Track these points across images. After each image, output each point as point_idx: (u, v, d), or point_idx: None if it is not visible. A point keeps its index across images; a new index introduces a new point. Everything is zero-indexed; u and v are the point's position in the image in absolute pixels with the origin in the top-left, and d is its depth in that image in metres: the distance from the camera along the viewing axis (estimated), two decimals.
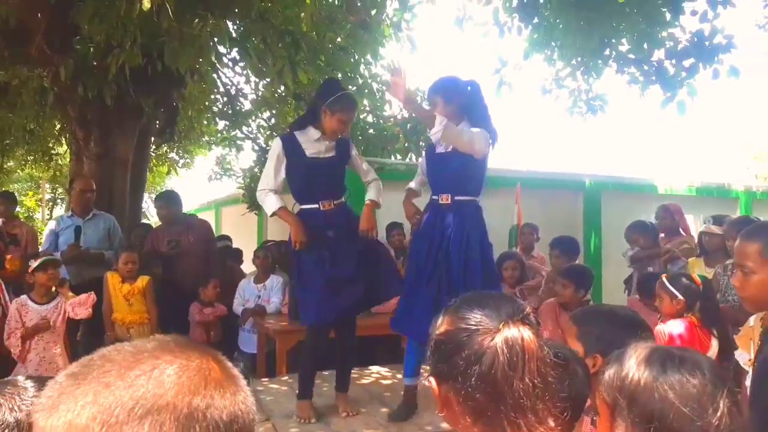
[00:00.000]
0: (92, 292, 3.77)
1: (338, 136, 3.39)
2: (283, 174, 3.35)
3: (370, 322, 5.10)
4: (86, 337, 4.78)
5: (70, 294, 3.68)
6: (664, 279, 3.26)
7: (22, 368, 3.57)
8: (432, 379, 1.08)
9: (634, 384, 1.08)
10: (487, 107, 3.42)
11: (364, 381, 4.21)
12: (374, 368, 4.55)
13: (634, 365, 1.10)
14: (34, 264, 3.66)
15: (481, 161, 3.31)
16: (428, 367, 1.11)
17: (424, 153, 3.66)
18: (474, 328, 1.02)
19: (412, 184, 3.61)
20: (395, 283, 3.50)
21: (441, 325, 1.08)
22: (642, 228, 4.83)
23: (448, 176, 3.33)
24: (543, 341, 1.05)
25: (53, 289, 3.71)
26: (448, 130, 3.05)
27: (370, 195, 3.49)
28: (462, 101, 3.32)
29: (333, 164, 3.40)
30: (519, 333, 1.00)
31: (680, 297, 3.11)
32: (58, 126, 8.89)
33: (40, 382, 1.29)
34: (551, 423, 1.00)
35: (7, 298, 4.08)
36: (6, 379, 1.32)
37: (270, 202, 3.32)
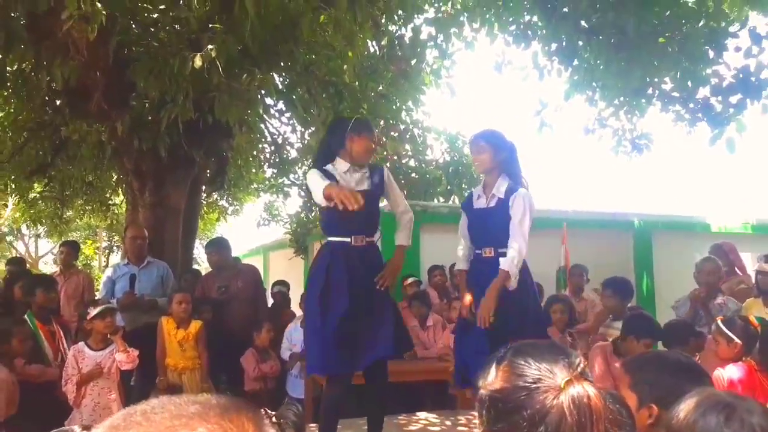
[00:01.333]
0: (136, 350, 3.85)
1: (368, 161, 3.36)
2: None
3: (418, 367, 5.07)
4: (138, 382, 4.89)
5: (121, 342, 3.79)
6: (719, 322, 3.16)
7: (78, 413, 3.68)
8: None
9: (678, 424, 1.06)
10: (520, 167, 3.47)
11: (411, 428, 4.16)
12: (422, 414, 4.49)
13: (683, 407, 1.08)
14: (93, 312, 3.81)
15: None
16: (480, 421, 1.07)
17: (463, 214, 3.58)
18: (534, 386, 0.99)
19: (462, 265, 3.52)
20: (405, 339, 3.46)
21: (494, 380, 1.05)
22: (714, 262, 4.61)
23: (490, 230, 3.34)
24: (605, 395, 1.01)
25: (108, 336, 3.83)
26: (515, 267, 3.18)
27: (402, 238, 3.44)
28: (505, 155, 3.39)
29: (367, 196, 3.24)
30: (584, 391, 0.97)
31: (737, 341, 3.01)
32: (115, 177, 9.32)
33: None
34: None
35: (66, 345, 4.24)
36: (62, 428, 1.39)
37: (319, 183, 3.06)
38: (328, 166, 3.26)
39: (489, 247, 3.33)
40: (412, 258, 6.39)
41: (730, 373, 2.92)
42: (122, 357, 3.71)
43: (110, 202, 10.72)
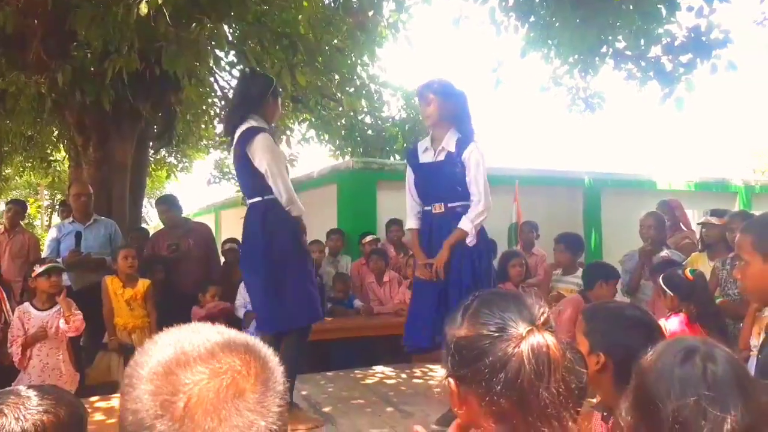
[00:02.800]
0: (79, 313, 3.71)
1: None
2: None
3: (373, 323, 5.13)
4: (87, 342, 4.77)
5: (66, 304, 3.65)
6: (660, 276, 3.27)
7: (25, 375, 3.56)
8: (450, 379, 1.07)
9: (643, 363, 1.08)
10: (470, 115, 3.37)
11: (368, 381, 4.21)
12: (378, 368, 4.55)
13: (652, 351, 1.10)
14: (38, 270, 3.66)
15: None
16: (445, 366, 1.10)
17: (408, 169, 3.48)
18: (497, 334, 1.01)
19: (412, 224, 3.46)
20: None
21: (460, 327, 1.07)
22: (656, 216, 4.77)
23: (438, 185, 3.28)
24: (564, 344, 1.04)
25: (55, 296, 3.70)
26: (476, 226, 3.18)
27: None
28: (455, 105, 3.28)
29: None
30: (544, 340, 0.99)
31: (669, 293, 3.13)
32: (56, 132, 8.90)
33: (42, 391, 1.30)
34: (573, 428, 1.01)
35: (8, 306, 4.08)
36: (8, 388, 1.32)
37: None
38: (256, 123, 3.14)
39: (438, 203, 3.26)
40: (369, 215, 6.39)
41: (669, 324, 3.05)
42: (64, 326, 3.58)
43: (51, 158, 10.27)
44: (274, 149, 3.12)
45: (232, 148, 3.21)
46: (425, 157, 3.34)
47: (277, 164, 3.09)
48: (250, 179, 3.14)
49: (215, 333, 0.78)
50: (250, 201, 3.21)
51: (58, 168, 10.91)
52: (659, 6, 5.19)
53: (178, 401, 0.68)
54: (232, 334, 0.79)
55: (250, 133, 3.07)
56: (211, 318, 4.78)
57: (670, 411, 0.99)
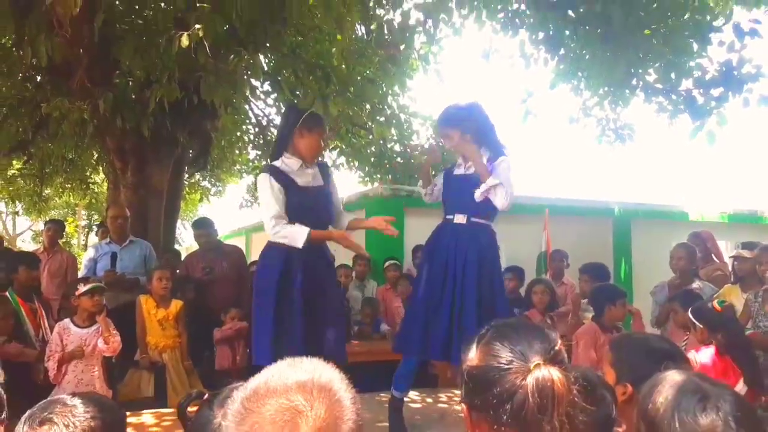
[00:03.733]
0: (118, 335, 3.84)
1: (318, 158, 3.32)
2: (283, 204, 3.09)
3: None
4: (119, 360, 4.89)
5: (105, 324, 3.79)
6: (690, 309, 3.25)
7: (60, 390, 3.67)
8: (464, 404, 1.12)
9: (653, 411, 1.11)
10: (493, 125, 3.34)
11: None
12: None
13: (660, 393, 1.13)
14: (82, 288, 3.80)
15: None
16: (460, 392, 1.15)
17: (440, 176, 3.51)
18: (506, 366, 1.05)
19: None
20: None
21: (474, 356, 1.12)
22: (687, 248, 4.73)
23: (465, 196, 3.24)
24: (572, 375, 1.07)
25: (96, 317, 3.83)
26: (498, 188, 3.11)
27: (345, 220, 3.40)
28: (474, 126, 3.27)
29: (325, 193, 3.28)
30: (549, 375, 1.03)
31: (699, 325, 3.11)
32: (96, 155, 9.20)
33: (86, 398, 1.37)
34: None
35: (47, 324, 4.23)
36: (53, 398, 1.41)
37: (297, 230, 3.02)
38: (280, 163, 3.17)
39: (462, 213, 3.25)
40: (396, 241, 6.44)
41: (700, 356, 3.02)
42: (103, 345, 3.71)
43: (90, 180, 10.60)
44: (262, 189, 3.09)
45: None
46: (458, 170, 3.39)
47: (264, 203, 3.09)
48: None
49: (305, 370, 0.84)
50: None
51: (95, 190, 11.26)
52: (690, 41, 5.21)
53: (244, 426, 0.76)
54: (321, 372, 0.85)
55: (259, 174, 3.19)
56: (229, 339, 4.87)
57: None
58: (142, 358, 4.41)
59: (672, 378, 1.21)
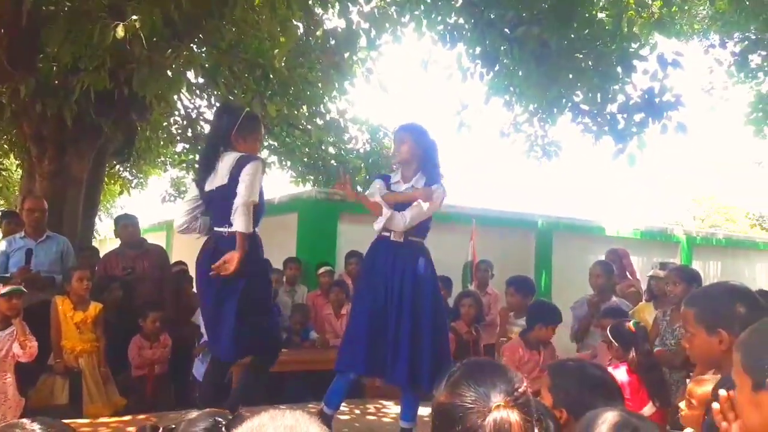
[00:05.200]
0: (35, 340, 3.65)
1: None
2: None
3: (328, 356, 5.09)
4: (31, 363, 4.62)
5: (22, 328, 3.56)
6: (608, 327, 3.43)
7: None
8: None
9: None
10: (439, 164, 3.48)
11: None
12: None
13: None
14: (1, 290, 3.55)
15: None
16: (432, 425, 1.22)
17: (381, 181, 3.51)
18: (469, 406, 1.12)
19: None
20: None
21: (442, 393, 1.18)
22: (605, 266, 4.96)
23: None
24: (533, 418, 1.15)
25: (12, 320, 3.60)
26: (390, 221, 3.22)
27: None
28: (426, 149, 3.40)
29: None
30: (507, 417, 1.10)
31: (615, 343, 3.29)
32: (8, 138, 8.61)
33: (46, 424, 1.31)
34: None
35: None
36: (12, 422, 1.34)
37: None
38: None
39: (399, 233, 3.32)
40: (329, 246, 6.42)
41: (615, 373, 3.18)
42: (19, 351, 3.49)
43: (0, 166, 9.93)
44: (257, 181, 3.08)
45: (225, 175, 3.12)
46: (396, 187, 3.44)
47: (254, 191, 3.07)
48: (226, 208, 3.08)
49: (286, 426, 0.89)
50: (217, 229, 3.17)
51: (5, 176, 10.53)
52: (616, 67, 5.50)
53: None
54: (303, 427, 0.89)
55: (247, 158, 3.07)
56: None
57: None
58: (56, 363, 4.18)
59: (608, 419, 1.29)
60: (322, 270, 6.02)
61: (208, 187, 3.21)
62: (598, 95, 5.75)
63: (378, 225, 3.27)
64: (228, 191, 3.07)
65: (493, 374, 1.18)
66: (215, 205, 3.20)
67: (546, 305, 4.26)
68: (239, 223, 2.98)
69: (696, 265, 7.88)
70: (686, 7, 7.70)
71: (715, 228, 20.21)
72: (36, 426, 1.29)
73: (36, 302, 4.57)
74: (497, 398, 1.12)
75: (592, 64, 5.48)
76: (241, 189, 3.00)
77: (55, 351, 4.25)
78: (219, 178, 3.14)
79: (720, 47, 7.33)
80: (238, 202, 2.98)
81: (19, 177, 7.89)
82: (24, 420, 1.33)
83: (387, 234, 3.35)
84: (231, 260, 2.97)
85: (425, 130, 3.48)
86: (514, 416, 1.10)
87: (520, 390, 1.15)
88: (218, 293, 3.13)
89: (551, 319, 4.03)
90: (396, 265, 3.28)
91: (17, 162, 8.80)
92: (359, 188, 7.55)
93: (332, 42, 4.84)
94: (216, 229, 3.18)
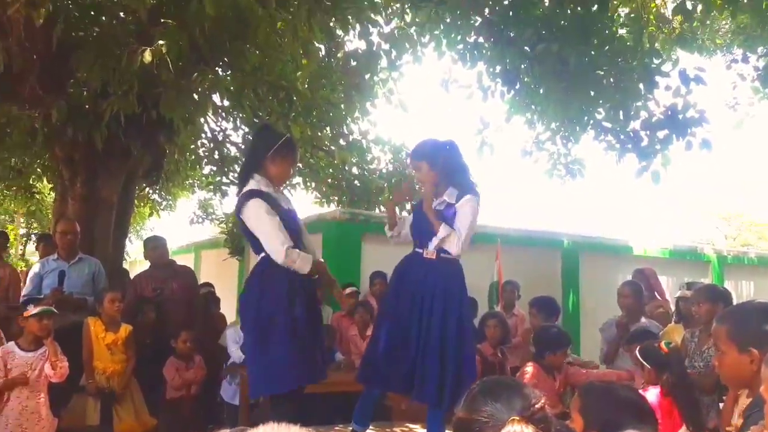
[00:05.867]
0: (66, 360, 3.72)
1: (284, 184, 3.39)
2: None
3: (354, 377, 5.10)
4: (63, 383, 4.69)
5: (54, 349, 3.64)
6: (637, 349, 3.36)
7: (2, 418, 3.48)
8: None
9: None
10: (466, 165, 3.43)
11: None
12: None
13: None
14: (32, 310, 3.64)
15: None
16: None
17: (410, 216, 3.59)
18: (485, 420, 1.15)
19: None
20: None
21: (460, 410, 1.22)
22: (633, 286, 4.89)
23: (433, 232, 3.27)
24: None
25: (43, 340, 3.68)
26: (450, 239, 3.20)
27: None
28: (445, 164, 3.35)
29: (297, 218, 3.33)
30: (521, 431, 1.12)
31: (647, 366, 3.21)
32: (42, 163, 8.86)
33: None
34: None
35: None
36: None
37: (304, 256, 3.04)
38: (258, 185, 3.12)
39: (432, 248, 3.29)
40: (353, 267, 6.45)
41: (648, 396, 3.12)
42: (50, 371, 3.56)
43: (34, 189, 10.20)
44: (260, 216, 3.03)
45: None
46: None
47: (267, 229, 3.03)
48: (252, 238, 3.12)
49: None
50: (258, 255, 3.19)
51: (39, 198, 10.82)
52: (638, 83, 5.47)
53: None
54: None
55: (243, 198, 3.08)
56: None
57: None
58: (88, 384, 4.24)
59: None
60: (347, 291, 6.02)
61: None
62: (621, 112, 5.71)
63: (432, 244, 3.24)
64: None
65: (509, 390, 1.20)
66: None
67: (549, 332, 4.17)
68: (299, 269, 3.02)
69: (728, 285, 7.73)
70: (708, 22, 7.64)
71: (747, 246, 19.74)
72: None
73: (68, 324, 4.66)
74: (512, 413, 1.14)
75: (614, 80, 5.46)
76: (265, 244, 3.01)
77: (87, 371, 4.31)
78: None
79: (743, 62, 7.23)
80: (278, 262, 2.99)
81: (53, 200, 8.08)
82: None
83: (420, 251, 3.34)
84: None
85: (434, 141, 3.43)
86: (528, 431, 1.12)
87: (536, 406, 1.16)
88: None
89: (558, 345, 3.97)
90: (427, 282, 3.26)
91: (50, 185, 9.04)
92: (383, 209, 7.59)
93: (353, 63, 4.91)
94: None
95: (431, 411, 3.33)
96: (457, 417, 1.21)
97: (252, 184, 3.12)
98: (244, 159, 3.46)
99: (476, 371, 3.49)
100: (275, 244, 2.98)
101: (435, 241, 3.22)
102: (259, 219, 3.02)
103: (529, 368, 4.00)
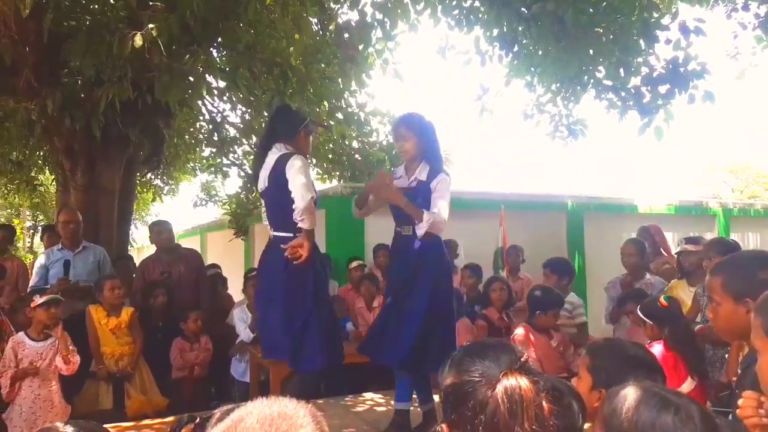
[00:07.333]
0: (76, 353, 3.77)
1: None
2: None
3: None
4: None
5: (64, 340, 3.68)
6: (638, 307, 3.36)
7: (16, 407, 3.54)
8: (444, 425, 1.17)
9: (631, 424, 1.16)
10: (439, 146, 3.56)
11: (358, 408, 4.24)
12: (367, 395, 4.58)
13: (632, 406, 1.18)
14: (39, 300, 3.66)
15: None
16: (443, 413, 1.21)
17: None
18: (477, 379, 1.13)
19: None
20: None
21: (447, 376, 1.19)
22: (636, 244, 4.89)
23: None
24: (540, 383, 1.14)
25: (51, 330, 3.71)
26: (434, 222, 3.30)
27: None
28: (428, 140, 3.48)
29: None
30: (517, 382, 1.11)
31: (648, 322, 3.21)
32: (42, 155, 8.85)
33: (79, 426, 1.36)
34: None
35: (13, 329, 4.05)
36: (47, 426, 1.39)
37: (314, 218, 3.20)
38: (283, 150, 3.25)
39: (408, 225, 3.43)
40: (357, 241, 6.45)
41: (653, 352, 3.12)
42: (61, 364, 3.61)
43: (36, 182, 10.21)
44: (303, 171, 3.16)
45: (266, 178, 3.27)
46: (400, 182, 3.52)
47: (305, 181, 3.14)
48: (282, 211, 3.19)
49: (273, 413, 0.91)
50: (276, 234, 3.28)
51: (42, 191, 10.84)
52: (637, 39, 5.37)
53: None
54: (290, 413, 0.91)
55: (287, 156, 3.18)
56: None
57: None
58: (99, 369, 4.30)
59: (639, 390, 1.24)
60: (354, 264, 6.07)
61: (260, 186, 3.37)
62: (621, 69, 5.62)
63: (421, 231, 3.33)
64: (271, 194, 3.28)
65: (494, 348, 1.19)
66: (268, 207, 3.39)
67: (542, 291, 4.23)
68: (305, 223, 3.10)
69: (734, 238, 7.68)
70: None
71: (754, 198, 19.62)
72: (69, 428, 1.33)
73: (76, 312, 4.72)
74: (503, 367, 1.13)
75: (613, 37, 5.35)
76: (298, 190, 3.08)
77: (96, 357, 4.37)
78: (261, 180, 3.32)
79: (743, 10, 7.07)
80: (298, 206, 3.06)
81: (55, 191, 8.08)
82: (58, 423, 1.39)
83: (399, 229, 3.50)
84: (303, 246, 3.12)
85: (421, 117, 3.52)
86: (524, 381, 1.11)
87: (523, 359, 1.15)
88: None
89: (546, 305, 4.05)
90: (408, 258, 3.41)
91: (52, 177, 9.04)
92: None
93: (346, 35, 4.83)
94: (274, 234, 3.31)
95: (398, 374, 3.52)
96: (446, 384, 1.19)
97: (283, 150, 3.24)
98: (266, 133, 3.56)
99: (455, 340, 3.57)
100: (307, 192, 3.09)
101: (424, 227, 3.32)
102: (300, 172, 3.12)
103: (520, 329, 4.07)
